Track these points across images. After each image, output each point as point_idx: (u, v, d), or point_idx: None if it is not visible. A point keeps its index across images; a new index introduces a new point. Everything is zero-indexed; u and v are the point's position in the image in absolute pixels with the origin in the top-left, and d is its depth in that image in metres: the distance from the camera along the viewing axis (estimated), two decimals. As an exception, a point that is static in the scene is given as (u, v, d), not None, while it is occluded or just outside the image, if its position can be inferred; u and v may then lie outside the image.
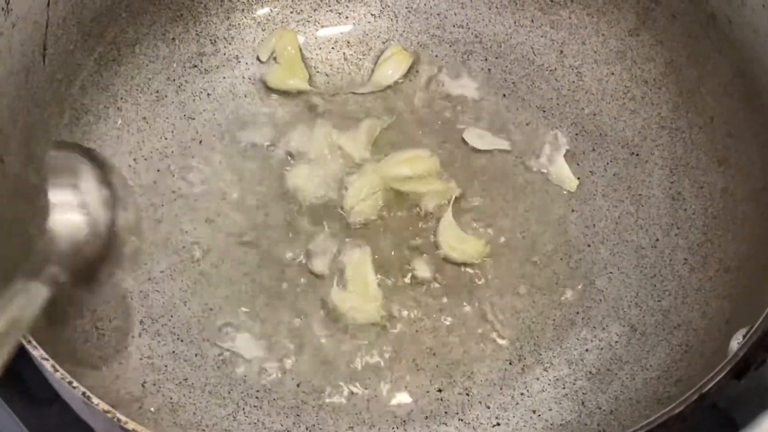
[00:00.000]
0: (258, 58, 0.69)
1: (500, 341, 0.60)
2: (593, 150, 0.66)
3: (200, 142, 0.66)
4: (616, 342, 0.59)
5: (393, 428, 0.57)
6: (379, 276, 0.61)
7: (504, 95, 0.68)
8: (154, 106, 0.66)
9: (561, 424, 0.57)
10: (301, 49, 0.69)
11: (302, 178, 0.64)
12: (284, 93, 0.68)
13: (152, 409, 0.56)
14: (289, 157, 0.65)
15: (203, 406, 0.57)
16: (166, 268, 0.62)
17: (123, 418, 0.45)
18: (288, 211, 0.64)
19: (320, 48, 0.70)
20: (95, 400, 0.45)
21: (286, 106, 0.68)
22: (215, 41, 0.68)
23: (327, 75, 0.69)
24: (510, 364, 0.59)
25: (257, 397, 0.58)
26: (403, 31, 0.70)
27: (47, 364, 0.46)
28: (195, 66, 0.68)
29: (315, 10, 0.70)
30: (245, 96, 0.68)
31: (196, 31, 0.68)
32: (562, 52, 0.68)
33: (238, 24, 0.69)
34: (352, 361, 0.59)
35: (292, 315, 0.60)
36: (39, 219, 0.48)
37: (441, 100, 0.68)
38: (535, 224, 0.64)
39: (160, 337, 0.59)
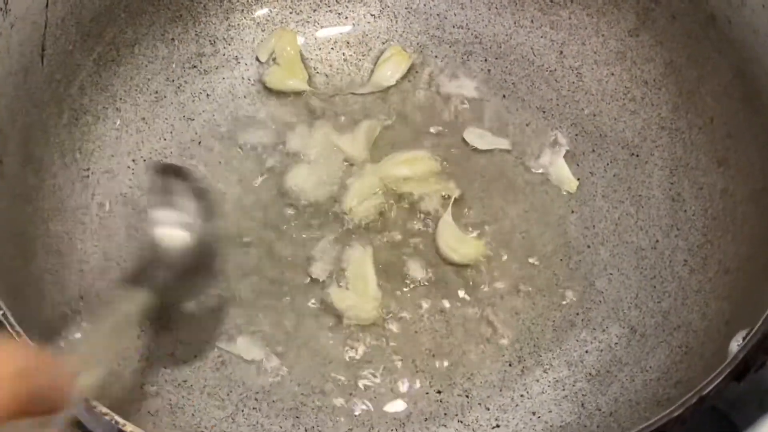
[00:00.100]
0: (257, 59, 0.69)
1: (500, 343, 0.60)
2: (593, 151, 0.66)
3: (199, 142, 0.66)
4: (616, 343, 0.59)
5: (392, 430, 0.57)
6: (378, 277, 0.61)
7: (504, 96, 0.68)
8: (153, 106, 0.66)
9: (560, 426, 0.57)
10: (300, 50, 0.69)
11: (301, 178, 0.64)
12: (283, 94, 0.68)
13: (151, 411, 0.56)
14: (288, 158, 0.65)
15: (202, 407, 0.57)
16: (165, 269, 0.62)
17: (121, 421, 0.45)
18: (287, 212, 0.64)
19: (320, 48, 0.70)
20: (93, 402, 0.45)
21: (286, 106, 0.68)
22: (214, 42, 0.68)
23: (326, 75, 0.69)
24: (510, 365, 0.59)
25: (256, 399, 0.58)
26: (403, 31, 0.70)
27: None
28: (194, 66, 0.68)
29: (314, 11, 0.70)
30: (244, 97, 0.68)
31: (196, 31, 0.68)
32: (562, 52, 0.68)
33: (238, 24, 0.69)
34: (351, 363, 0.59)
35: (292, 316, 0.60)
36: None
37: (441, 100, 0.68)
38: (535, 225, 0.64)
39: (159, 338, 0.59)
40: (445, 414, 0.58)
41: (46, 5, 0.58)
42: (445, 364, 0.59)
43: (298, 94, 0.68)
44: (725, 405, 0.57)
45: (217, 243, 0.55)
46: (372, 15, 0.70)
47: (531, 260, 0.62)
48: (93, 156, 0.63)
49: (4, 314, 0.47)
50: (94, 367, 0.41)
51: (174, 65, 0.67)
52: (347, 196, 0.63)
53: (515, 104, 0.68)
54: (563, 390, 0.58)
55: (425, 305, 0.61)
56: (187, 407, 0.57)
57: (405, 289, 0.61)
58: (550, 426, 0.57)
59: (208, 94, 0.67)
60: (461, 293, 0.61)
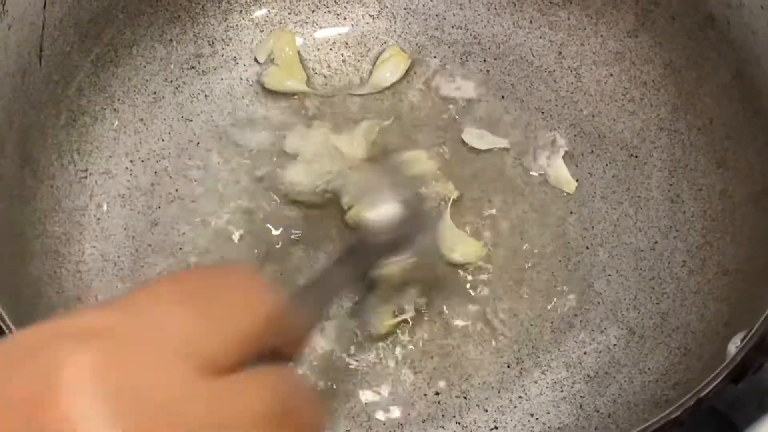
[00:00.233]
0: (256, 60, 0.69)
1: (498, 344, 0.60)
2: (592, 152, 0.66)
3: (198, 143, 0.66)
4: (614, 345, 0.59)
5: (390, 431, 0.57)
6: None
7: (502, 96, 0.68)
8: (152, 107, 0.66)
9: (559, 428, 0.57)
10: (299, 51, 0.69)
11: (300, 179, 0.64)
12: (282, 94, 0.68)
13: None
14: (286, 159, 0.65)
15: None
16: (162, 270, 0.61)
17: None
18: (285, 213, 0.64)
19: (318, 49, 0.69)
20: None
21: (284, 107, 0.67)
22: (213, 43, 0.68)
23: (325, 76, 0.69)
24: (508, 367, 0.59)
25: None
26: (402, 32, 0.70)
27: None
28: (192, 67, 0.68)
29: (313, 12, 0.70)
30: (243, 97, 0.68)
31: (194, 32, 0.68)
32: (560, 53, 0.68)
33: (236, 25, 0.69)
34: (349, 363, 0.59)
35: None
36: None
37: (439, 101, 0.68)
38: (534, 226, 0.64)
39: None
40: (443, 415, 0.58)
41: (44, 6, 0.58)
42: (444, 365, 0.59)
43: (296, 94, 0.68)
44: (724, 406, 0.57)
45: (422, 217, 0.57)
46: (371, 16, 0.70)
47: (530, 261, 0.62)
48: (91, 157, 0.63)
49: (0, 316, 0.47)
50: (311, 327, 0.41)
51: (172, 66, 0.67)
52: (345, 197, 0.63)
53: (514, 105, 0.67)
54: (561, 391, 0.58)
55: (423, 306, 0.61)
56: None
57: (404, 290, 0.61)
58: (548, 428, 0.57)
59: (206, 95, 0.67)
60: (460, 294, 0.61)
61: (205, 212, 0.64)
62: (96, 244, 0.62)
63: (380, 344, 0.59)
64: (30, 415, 0.24)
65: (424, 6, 0.70)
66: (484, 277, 0.62)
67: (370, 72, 0.69)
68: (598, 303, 0.61)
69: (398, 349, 0.59)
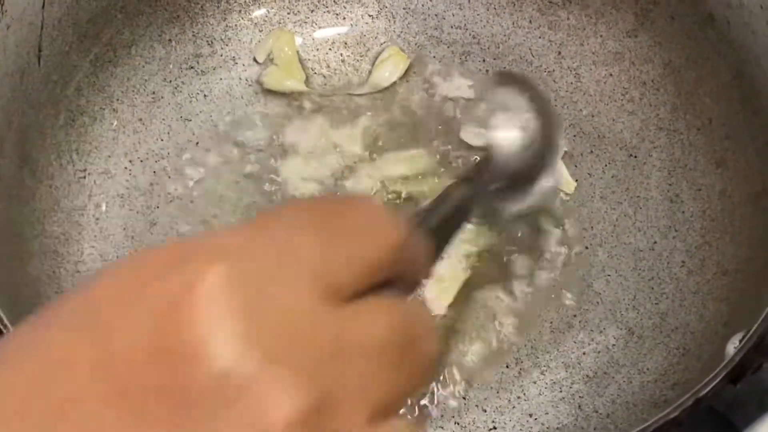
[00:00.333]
0: (255, 60, 0.68)
1: (497, 344, 0.60)
2: (591, 152, 0.65)
3: (197, 143, 0.66)
4: (614, 345, 0.59)
5: (389, 431, 0.57)
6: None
7: (502, 96, 0.68)
8: (151, 107, 0.66)
9: (558, 428, 0.57)
10: (298, 51, 0.69)
11: (299, 179, 0.64)
12: (281, 94, 0.68)
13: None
14: (285, 158, 0.65)
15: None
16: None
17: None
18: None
19: (317, 49, 0.69)
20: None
21: (283, 107, 0.67)
22: (212, 42, 0.68)
23: (324, 76, 0.69)
24: (507, 367, 0.59)
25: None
26: (401, 32, 0.70)
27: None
28: (191, 67, 0.67)
29: (312, 11, 0.70)
30: (242, 97, 0.68)
31: (193, 32, 0.68)
32: (560, 53, 0.68)
33: (235, 25, 0.69)
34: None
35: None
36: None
37: (439, 101, 0.68)
38: (533, 226, 0.64)
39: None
40: (442, 416, 0.58)
41: (43, 6, 0.58)
42: (442, 365, 0.59)
43: (295, 94, 0.68)
44: (723, 406, 0.57)
45: (552, 151, 0.57)
46: (370, 15, 0.70)
47: (528, 261, 0.62)
48: (90, 157, 0.63)
49: (-1, 316, 0.47)
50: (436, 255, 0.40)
51: (171, 66, 0.67)
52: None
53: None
54: (560, 392, 0.58)
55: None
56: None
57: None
58: (547, 428, 0.57)
59: (205, 95, 0.67)
60: (458, 294, 0.61)
61: (204, 212, 0.64)
62: (95, 244, 0.62)
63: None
64: (161, 325, 0.24)
65: (423, 6, 0.70)
66: (482, 276, 0.62)
67: (370, 72, 0.69)
68: (597, 303, 0.61)
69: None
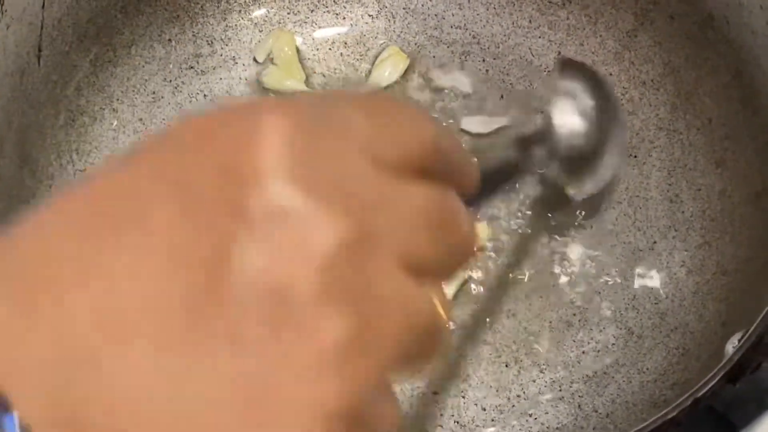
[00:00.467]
0: (255, 60, 0.69)
1: (496, 343, 0.60)
2: (591, 151, 0.66)
3: (197, 143, 0.66)
4: (613, 345, 0.59)
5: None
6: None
7: (501, 96, 0.68)
8: (151, 107, 0.66)
9: (557, 428, 0.57)
10: (298, 50, 0.69)
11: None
12: (281, 94, 0.68)
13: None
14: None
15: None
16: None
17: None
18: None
19: (317, 49, 0.69)
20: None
21: (283, 107, 0.67)
22: (212, 42, 0.68)
23: (324, 76, 0.69)
24: (506, 366, 0.59)
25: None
26: (401, 31, 0.70)
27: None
28: (191, 67, 0.68)
29: (312, 11, 0.70)
30: (242, 97, 0.68)
31: (193, 32, 0.68)
32: (560, 53, 0.68)
33: (235, 25, 0.69)
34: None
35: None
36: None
37: (438, 101, 0.68)
38: (533, 225, 0.64)
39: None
40: (441, 414, 0.58)
41: (43, 6, 0.58)
42: (442, 364, 0.59)
43: (295, 94, 0.68)
44: (722, 406, 0.56)
45: (613, 142, 0.59)
46: (370, 15, 0.70)
47: (528, 261, 0.62)
48: (90, 157, 0.63)
49: None
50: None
51: (171, 66, 0.67)
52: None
53: (513, 104, 0.67)
54: (560, 391, 0.58)
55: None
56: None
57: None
58: (547, 427, 0.57)
59: (205, 95, 0.67)
60: (458, 294, 0.61)
61: (204, 212, 0.63)
62: (95, 244, 0.62)
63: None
64: (232, 153, 0.27)
65: (423, 6, 0.70)
66: (481, 276, 0.62)
67: (369, 71, 0.69)
68: (597, 303, 0.61)
69: (397, 349, 0.59)
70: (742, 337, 0.48)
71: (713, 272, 0.59)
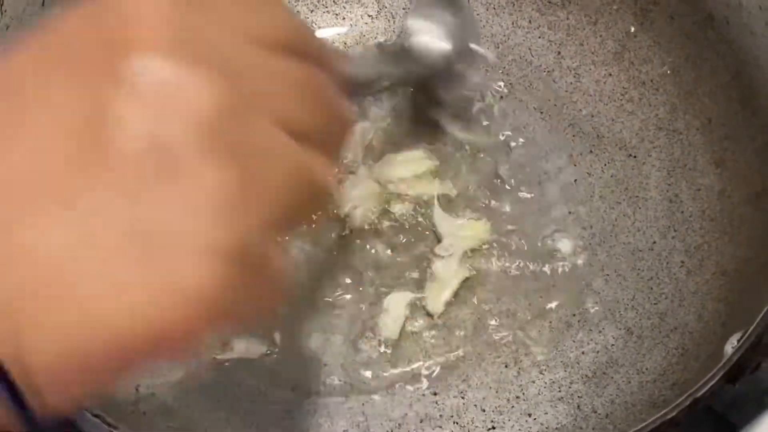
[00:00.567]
0: (254, 59, 0.68)
1: (495, 344, 0.60)
2: (590, 151, 0.65)
3: (196, 143, 0.66)
4: (612, 345, 0.59)
5: (388, 431, 0.57)
6: (379, 277, 0.61)
7: (501, 97, 0.68)
8: (150, 107, 0.66)
9: (556, 428, 0.57)
10: (297, 50, 0.69)
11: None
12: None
13: (145, 411, 0.56)
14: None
15: (198, 409, 0.57)
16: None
17: (112, 422, 0.45)
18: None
19: (317, 49, 0.69)
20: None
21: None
22: (211, 42, 0.68)
23: (323, 76, 0.69)
24: (506, 367, 0.59)
25: (252, 401, 0.58)
26: (401, 32, 0.70)
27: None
28: (191, 67, 0.67)
29: (311, 11, 0.70)
30: (241, 97, 0.68)
31: (193, 32, 0.68)
32: (559, 53, 0.68)
33: (235, 25, 0.69)
34: (348, 364, 0.59)
35: (288, 315, 0.60)
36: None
37: (438, 101, 0.68)
38: (532, 226, 0.64)
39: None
40: (441, 415, 0.58)
41: (43, 5, 0.58)
42: (441, 365, 0.59)
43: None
44: (721, 406, 0.56)
45: (470, 59, 0.62)
46: (369, 16, 0.70)
47: (527, 261, 0.62)
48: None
49: None
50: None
51: (171, 66, 0.67)
52: (344, 199, 0.63)
53: (512, 105, 0.67)
54: (559, 391, 0.58)
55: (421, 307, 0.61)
56: (182, 408, 0.57)
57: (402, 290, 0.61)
58: (546, 428, 0.57)
59: (205, 95, 0.67)
60: (458, 294, 0.61)
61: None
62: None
63: (376, 345, 0.59)
64: (107, 36, 0.29)
65: (422, 6, 0.70)
66: (481, 276, 0.62)
67: (369, 72, 0.69)
68: (596, 303, 0.61)
69: (396, 349, 0.59)
70: (741, 338, 0.48)
71: (713, 272, 0.59)
